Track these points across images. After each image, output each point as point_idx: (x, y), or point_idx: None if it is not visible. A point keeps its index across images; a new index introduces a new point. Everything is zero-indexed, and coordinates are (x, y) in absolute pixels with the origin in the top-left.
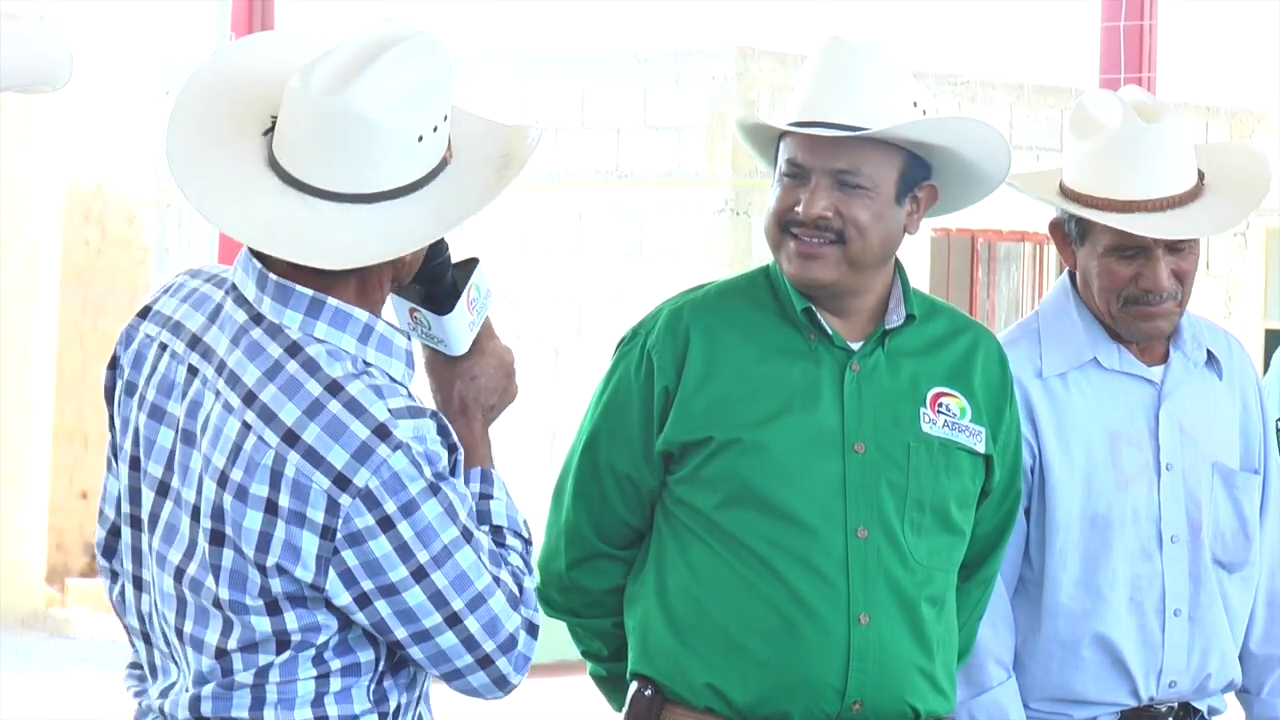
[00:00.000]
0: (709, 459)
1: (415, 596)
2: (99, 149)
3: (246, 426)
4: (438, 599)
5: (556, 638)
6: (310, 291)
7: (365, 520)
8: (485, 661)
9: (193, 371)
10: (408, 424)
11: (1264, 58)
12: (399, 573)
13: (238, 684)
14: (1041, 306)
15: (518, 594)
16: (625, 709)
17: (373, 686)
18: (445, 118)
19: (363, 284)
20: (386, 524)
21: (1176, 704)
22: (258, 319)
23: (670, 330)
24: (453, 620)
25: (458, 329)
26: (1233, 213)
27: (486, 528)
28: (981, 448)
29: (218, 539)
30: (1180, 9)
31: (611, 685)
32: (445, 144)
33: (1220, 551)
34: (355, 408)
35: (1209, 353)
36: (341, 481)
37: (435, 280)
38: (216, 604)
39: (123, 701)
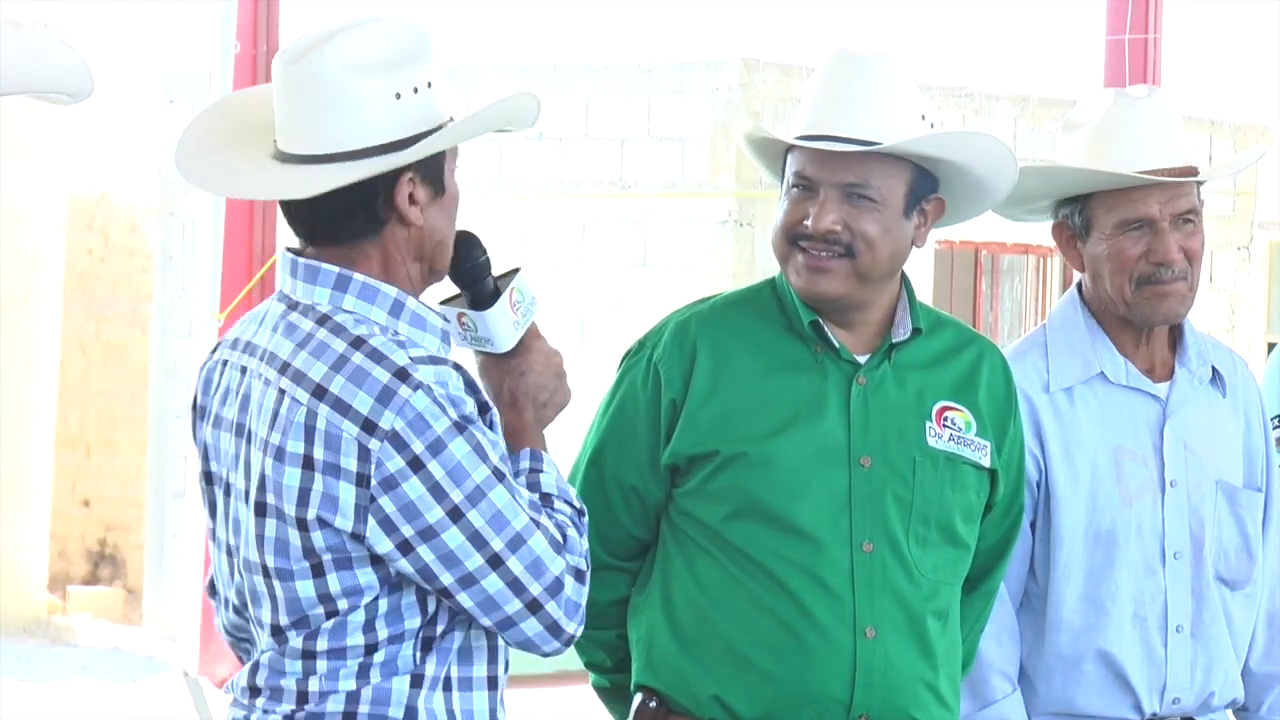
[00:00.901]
0: (715, 472)
1: (454, 538)
2: (102, 157)
3: (281, 392)
4: (476, 539)
5: None
6: (336, 268)
7: (396, 463)
8: (534, 606)
9: (243, 371)
10: (428, 369)
11: (1268, 71)
12: (435, 513)
13: (290, 651)
14: (1049, 319)
15: (561, 540)
16: None
17: (417, 655)
18: (430, 84)
19: (385, 259)
20: (417, 464)
21: (1179, 718)
22: (293, 305)
23: (677, 343)
24: (495, 561)
25: (501, 326)
26: (1221, 171)
27: (536, 495)
28: (987, 461)
29: (261, 510)
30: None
31: (614, 696)
32: (440, 105)
33: (1223, 569)
34: (377, 356)
35: (1214, 369)
36: (369, 427)
37: (475, 283)
38: (266, 576)
39: (123, 708)
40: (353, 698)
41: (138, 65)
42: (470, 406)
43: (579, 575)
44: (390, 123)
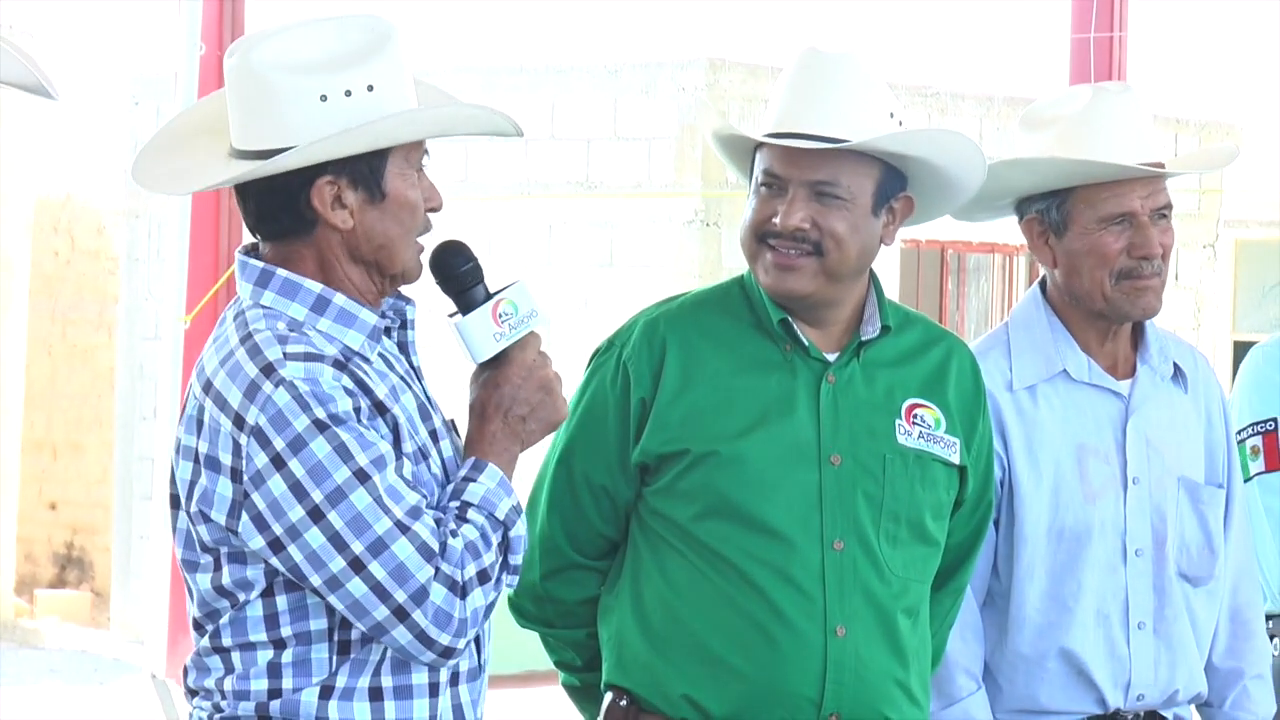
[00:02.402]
0: (686, 471)
1: (316, 538)
2: (68, 160)
3: (195, 395)
4: (337, 541)
5: (527, 647)
6: (261, 264)
7: (261, 459)
8: (400, 614)
9: (192, 388)
10: (298, 365)
11: (1234, 70)
12: (296, 512)
13: (204, 649)
14: (1011, 317)
15: (435, 548)
16: (601, 719)
17: (332, 659)
18: (371, 88)
19: (320, 260)
20: (279, 462)
21: (1143, 713)
22: (234, 307)
23: (646, 341)
24: (356, 565)
25: (476, 336)
26: (1205, 164)
27: (456, 503)
28: (956, 459)
29: (174, 503)
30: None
31: (584, 696)
32: (383, 110)
33: (1185, 565)
34: (254, 351)
35: (1175, 366)
36: (239, 421)
37: (462, 290)
38: (182, 569)
39: (91, 710)
40: (263, 706)
41: (103, 67)
42: (342, 405)
43: (454, 586)
44: (310, 125)
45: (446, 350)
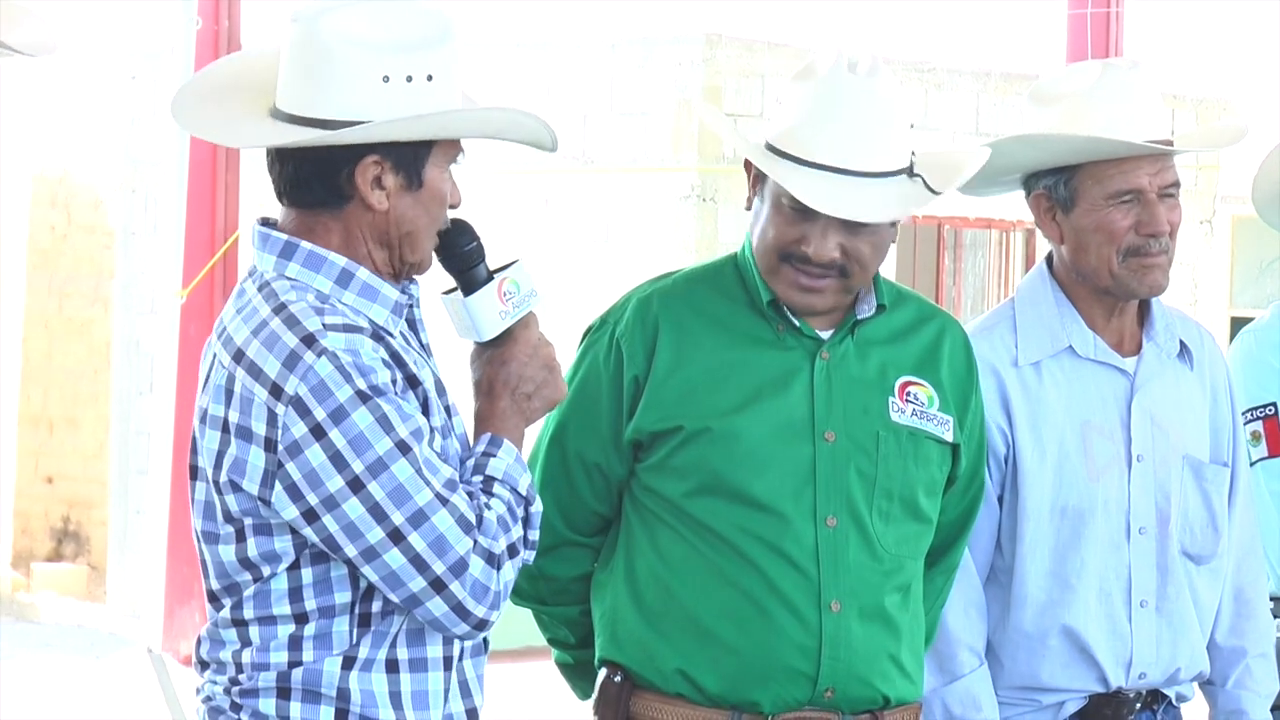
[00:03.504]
0: (679, 447)
1: (355, 509)
2: (65, 134)
3: (222, 365)
4: (377, 512)
5: (521, 624)
6: (285, 236)
7: (300, 429)
8: (438, 585)
9: (214, 357)
10: (339, 336)
11: (1230, 45)
12: (335, 482)
13: (222, 621)
14: (1017, 293)
15: (473, 520)
16: (595, 695)
17: (353, 631)
18: (430, 77)
19: (346, 235)
20: (319, 432)
21: (1145, 691)
22: (251, 273)
23: (640, 319)
24: (396, 536)
25: (483, 314)
26: (1214, 142)
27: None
28: (949, 436)
29: (194, 474)
30: None
31: (577, 672)
32: (438, 100)
33: (1189, 544)
34: (291, 321)
35: (1181, 343)
36: (276, 391)
37: (465, 268)
38: (199, 541)
39: (87, 684)
40: (284, 676)
41: (101, 42)
42: (382, 377)
43: (490, 558)
44: (369, 102)
45: (436, 330)
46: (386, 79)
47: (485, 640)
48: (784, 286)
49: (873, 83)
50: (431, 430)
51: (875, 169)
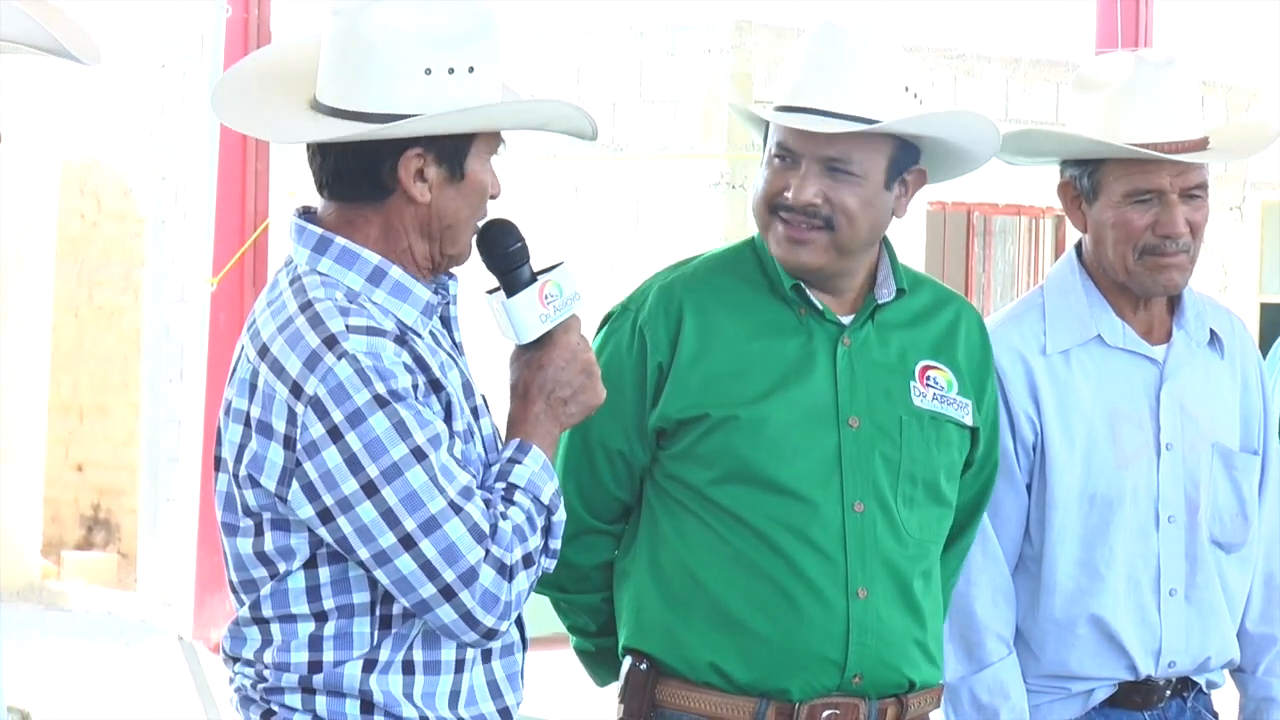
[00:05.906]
0: (704, 435)
1: (368, 512)
2: (94, 123)
3: (248, 359)
4: (389, 517)
5: (539, 611)
6: (320, 230)
7: (318, 429)
8: (448, 593)
9: (241, 349)
10: (361, 339)
11: (1260, 32)
12: (350, 485)
13: (243, 620)
14: (1047, 281)
15: (486, 529)
16: (621, 683)
17: (374, 633)
18: (472, 69)
19: (386, 228)
20: (336, 434)
21: (1175, 679)
22: (286, 265)
23: (663, 306)
24: (407, 542)
25: (523, 317)
26: (1242, 151)
27: (502, 484)
28: (969, 420)
29: (218, 464)
30: None
31: (596, 659)
32: (480, 93)
33: (1218, 532)
34: (315, 320)
35: (1211, 331)
36: (296, 390)
37: (509, 269)
38: (220, 531)
39: (117, 672)
40: (305, 680)
41: (130, 30)
42: (402, 381)
43: (502, 569)
44: (412, 95)
45: (478, 326)
46: (429, 71)
47: (523, 639)
48: (775, 242)
49: (861, 38)
50: (452, 435)
51: (856, 113)
